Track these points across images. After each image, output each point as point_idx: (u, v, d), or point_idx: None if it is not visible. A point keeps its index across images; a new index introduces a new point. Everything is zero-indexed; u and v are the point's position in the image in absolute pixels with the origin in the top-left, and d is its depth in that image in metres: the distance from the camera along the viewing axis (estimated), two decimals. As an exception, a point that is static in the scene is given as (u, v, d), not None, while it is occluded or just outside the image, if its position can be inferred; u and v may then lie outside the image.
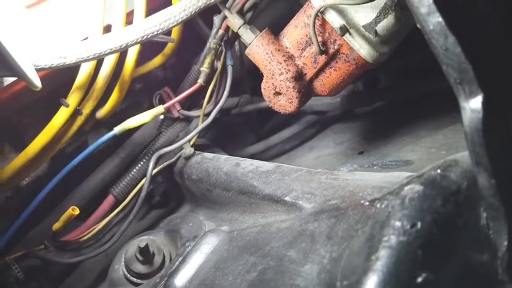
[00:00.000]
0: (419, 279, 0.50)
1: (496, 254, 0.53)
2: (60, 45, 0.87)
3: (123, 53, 1.06)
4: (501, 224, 0.52)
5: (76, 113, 1.00)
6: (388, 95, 1.28)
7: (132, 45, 0.92)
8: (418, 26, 0.55)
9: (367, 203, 0.65)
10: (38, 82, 0.77)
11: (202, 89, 1.11)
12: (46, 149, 0.98)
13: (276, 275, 0.69)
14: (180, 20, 0.95)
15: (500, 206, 0.51)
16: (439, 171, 0.57)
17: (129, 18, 1.04)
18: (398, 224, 0.54)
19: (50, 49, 0.86)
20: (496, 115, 0.51)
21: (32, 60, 0.83)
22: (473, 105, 0.51)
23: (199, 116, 1.14)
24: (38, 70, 0.84)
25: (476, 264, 0.54)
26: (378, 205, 0.61)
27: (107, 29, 1.02)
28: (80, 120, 1.03)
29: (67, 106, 0.97)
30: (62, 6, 1.02)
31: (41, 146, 0.96)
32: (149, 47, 1.23)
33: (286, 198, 0.84)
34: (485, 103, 0.50)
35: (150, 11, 1.00)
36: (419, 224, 0.53)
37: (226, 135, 1.42)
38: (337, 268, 0.58)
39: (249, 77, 1.28)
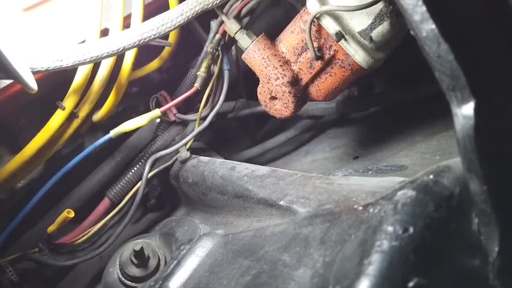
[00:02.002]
0: (411, 284, 0.50)
1: (487, 259, 0.54)
2: (57, 48, 0.87)
3: (120, 56, 1.06)
4: (492, 229, 0.53)
5: (72, 115, 1.00)
6: (383, 101, 1.29)
7: (129, 48, 0.93)
8: (411, 32, 0.55)
9: (361, 208, 0.66)
10: (33, 85, 0.77)
11: (199, 93, 1.12)
12: (42, 152, 0.98)
13: (269, 279, 0.69)
14: (177, 25, 0.95)
15: (491, 212, 0.52)
16: (431, 176, 0.58)
17: (127, 22, 1.05)
18: (390, 228, 0.54)
19: (46, 52, 0.86)
20: (488, 121, 0.52)
21: (29, 63, 0.83)
22: (465, 111, 0.51)
23: (195, 120, 1.14)
24: (34, 73, 0.84)
25: (467, 269, 0.54)
26: (371, 210, 0.61)
27: (104, 32, 1.03)
28: (76, 123, 1.03)
29: (63, 109, 0.97)
30: (59, 9, 1.02)
31: (37, 149, 0.96)
32: (146, 51, 1.23)
33: (280, 203, 0.84)
34: (477, 109, 0.51)
35: (148, 15, 1.00)
36: (411, 229, 0.53)
37: (223, 139, 1.43)
38: (330, 272, 0.59)
39: (245, 82, 1.28)
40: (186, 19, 0.95)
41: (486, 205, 0.52)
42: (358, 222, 0.63)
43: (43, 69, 0.85)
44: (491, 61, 0.55)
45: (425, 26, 0.52)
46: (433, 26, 0.52)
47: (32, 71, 0.83)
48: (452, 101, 0.52)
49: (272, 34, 1.02)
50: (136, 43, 0.92)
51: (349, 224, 0.64)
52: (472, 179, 0.52)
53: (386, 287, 0.50)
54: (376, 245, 0.53)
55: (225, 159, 1.16)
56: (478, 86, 0.51)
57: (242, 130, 1.46)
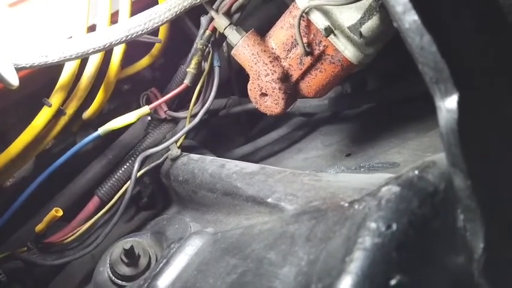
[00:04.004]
0: (393, 282, 0.49)
1: (472, 257, 0.52)
2: (42, 44, 0.86)
3: (108, 53, 1.05)
4: (477, 225, 0.51)
5: (59, 113, 0.99)
6: (376, 97, 1.27)
7: (116, 44, 0.91)
8: (394, 24, 0.54)
9: (347, 205, 0.64)
10: (14, 80, 0.76)
11: (191, 90, 1.11)
12: (28, 149, 0.97)
13: (254, 278, 0.68)
14: (165, 20, 0.94)
15: (476, 208, 0.51)
16: (416, 172, 0.57)
17: (115, 19, 1.03)
18: (373, 225, 0.53)
19: (31, 48, 0.85)
20: (472, 115, 0.51)
21: (13, 59, 0.82)
22: (448, 104, 0.50)
23: (186, 117, 1.13)
24: (19, 69, 0.83)
25: (452, 266, 0.53)
26: (356, 206, 0.60)
27: (92, 29, 1.01)
28: (63, 120, 1.01)
29: (50, 106, 0.96)
30: (45, 5, 1.01)
31: (23, 146, 0.95)
32: (137, 48, 1.22)
33: (268, 200, 0.83)
34: (460, 103, 0.49)
35: (136, 12, 0.99)
36: (394, 226, 0.52)
37: (216, 137, 1.42)
38: (313, 270, 0.57)
39: (237, 79, 1.27)
40: (174, 14, 0.94)
41: (471, 201, 0.50)
42: (343, 219, 0.61)
43: (28, 65, 0.83)
44: (475, 53, 0.54)
45: (407, 17, 0.51)
46: (416, 17, 0.51)
47: (16, 67, 0.82)
48: (436, 94, 0.51)
49: (264, 31, 1.01)
50: (124, 39, 0.91)
51: (335, 221, 0.63)
52: (456, 174, 0.51)
53: (368, 285, 0.49)
54: (358, 242, 0.52)
55: (218, 157, 1.14)
56: (462, 79, 0.50)
57: (235, 128, 1.44)
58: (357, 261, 0.50)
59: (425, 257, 0.52)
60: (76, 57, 0.88)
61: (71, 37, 1.00)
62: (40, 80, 1.05)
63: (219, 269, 0.78)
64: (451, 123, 0.49)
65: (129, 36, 0.92)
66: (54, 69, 0.98)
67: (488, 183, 0.52)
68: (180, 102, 1.24)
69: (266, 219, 0.82)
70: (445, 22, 0.53)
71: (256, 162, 1.30)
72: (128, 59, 1.21)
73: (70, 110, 1.02)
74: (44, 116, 0.97)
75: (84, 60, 1.01)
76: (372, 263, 0.50)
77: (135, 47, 1.17)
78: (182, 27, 1.27)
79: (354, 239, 0.53)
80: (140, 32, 0.92)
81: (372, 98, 1.29)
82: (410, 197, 0.54)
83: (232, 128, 1.44)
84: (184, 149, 1.16)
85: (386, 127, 1.16)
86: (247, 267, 0.72)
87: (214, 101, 1.11)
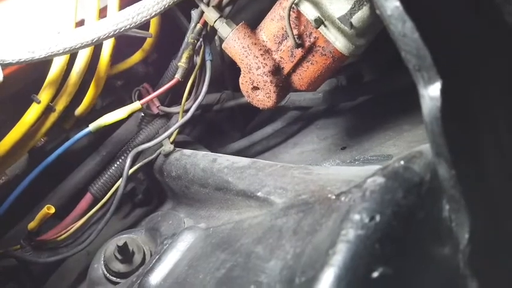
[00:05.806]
0: (376, 274, 0.48)
1: (458, 248, 0.51)
2: (29, 39, 0.85)
3: (98, 48, 1.04)
4: (462, 216, 0.50)
5: (49, 109, 0.98)
6: (371, 90, 1.26)
7: (104, 39, 0.90)
8: (377, 11, 0.53)
9: (334, 197, 0.63)
10: (-2, 76, 0.75)
11: (183, 85, 1.10)
12: (18, 147, 0.96)
13: (242, 272, 0.67)
14: (153, 14, 0.93)
15: (461, 198, 0.49)
16: (402, 162, 0.55)
17: (103, 14, 1.02)
18: (357, 217, 0.52)
19: (18, 43, 0.84)
20: (456, 103, 0.50)
21: (-1, 55, 0.82)
22: (431, 92, 0.49)
23: (178, 113, 1.12)
24: (5, 65, 0.82)
25: (437, 258, 0.52)
26: (343, 198, 0.59)
27: (80, 24, 1.01)
28: (53, 117, 1.01)
29: (38, 102, 0.95)
30: (33, 0, 1.00)
31: (12, 144, 0.94)
32: (130, 43, 1.21)
33: (258, 194, 0.82)
34: (444, 90, 0.48)
35: (125, 6, 0.98)
36: (378, 217, 0.51)
37: (211, 132, 1.41)
38: (298, 263, 0.56)
39: (230, 73, 1.26)
40: (162, 8, 0.93)
41: (455, 191, 0.49)
42: (330, 211, 0.61)
43: (14, 61, 0.83)
44: (459, 40, 0.52)
45: (389, 4, 0.50)
46: (397, 4, 0.49)
47: (2, 63, 0.81)
48: (419, 82, 0.50)
49: (257, 25, 1.00)
50: (112, 33, 0.90)
51: (322, 213, 0.62)
52: (441, 163, 0.50)
53: (350, 277, 0.48)
54: (341, 234, 0.51)
55: (214, 152, 1.13)
56: (446, 66, 0.49)
57: (230, 123, 1.43)
58: (339, 254, 0.49)
59: (410, 248, 0.51)
60: (64, 53, 0.87)
61: (59, 32, 0.99)
62: (29, 76, 1.04)
63: (209, 264, 0.77)
64: (434, 111, 0.48)
65: (117, 31, 0.90)
66: (43, 65, 0.97)
67: (474, 173, 0.51)
68: (174, 97, 1.23)
69: (256, 213, 0.81)
70: (428, 8, 0.51)
71: (252, 157, 1.28)
72: (121, 54, 1.20)
73: (60, 106, 1.01)
74: (33, 112, 0.96)
75: (73, 56, 1.00)
76: (354, 256, 0.49)
77: (127, 43, 1.16)
78: (175, 21, 1.26)
79: (337, 231, 0.52)
80: (128, 26, 0.91)
81: (367, 90, 1.27)
82: (395, 188, 0.53)
83: (227, 122, 1.43)
84: (178, 144, 1.15)
85: (381, 120, 1.15)
86: (236, 261, 0.71)
87: (208, 95, 1.10)
